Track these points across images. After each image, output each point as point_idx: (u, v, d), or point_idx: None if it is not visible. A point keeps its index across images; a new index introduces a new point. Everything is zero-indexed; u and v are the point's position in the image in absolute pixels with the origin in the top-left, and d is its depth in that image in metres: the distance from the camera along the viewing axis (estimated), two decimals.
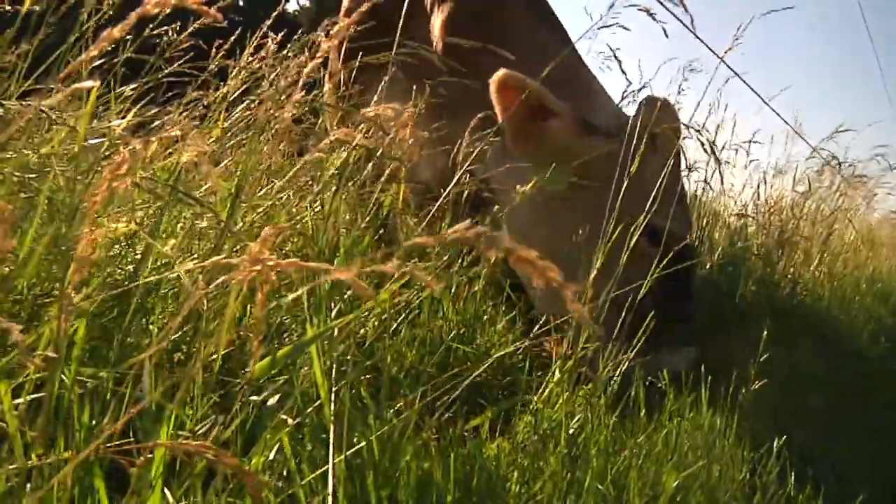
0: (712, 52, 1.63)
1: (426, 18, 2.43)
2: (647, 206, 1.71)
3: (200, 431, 0.84)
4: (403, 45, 1.88)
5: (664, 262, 1.71)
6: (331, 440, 0.89)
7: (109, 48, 0.76)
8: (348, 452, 0.91)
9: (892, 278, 7.45)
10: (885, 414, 2.69)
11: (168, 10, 0.68)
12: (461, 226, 0.50)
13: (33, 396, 0.65)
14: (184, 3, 0.50)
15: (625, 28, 1.95)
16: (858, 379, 2.96)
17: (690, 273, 2.07)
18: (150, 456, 0.65)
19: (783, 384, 2.34)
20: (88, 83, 0.53)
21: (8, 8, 1.28)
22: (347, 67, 2.01)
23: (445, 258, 1.81)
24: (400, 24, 1.80)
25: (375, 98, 1.86)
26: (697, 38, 1.74)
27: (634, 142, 1.81)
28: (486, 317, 1.99)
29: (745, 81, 2.22)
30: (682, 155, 2.23)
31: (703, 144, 1.72)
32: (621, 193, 1.75)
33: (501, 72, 1.89)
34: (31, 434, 0.62)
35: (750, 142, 3.52)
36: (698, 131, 1.75)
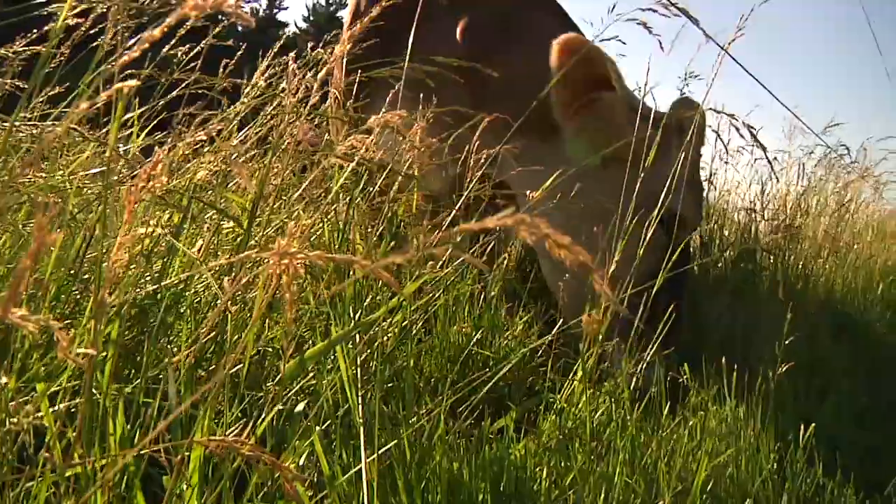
0: (716, 43, 1.64)
1: (437, 25, 2.43)
2: (663, 194, 1.71)
3: (231, 435, 0.84)
4: (410, 59, 1.89)
5: (677, 250, 1.71)
6: (362, 441, 0.90)
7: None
8: (380, 451, 0.91)
9: None
10: None
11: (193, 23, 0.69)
12: (503, 214, 0.50)
13: (71, 402, 0.65)
14: (221, 6, 0.50)
15: (622, 42, 1.96)
16: (879, 365, 2.95)
17: (683, 277, 2.06)
18: (187, 454, 0.66)
19: (806, 372, 2.33)
20: (130, 82, 0.54)
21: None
22: (351, 80, 2.02)
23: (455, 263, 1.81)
24: (413, 32, 1.81)
25: (384, 109, 1.87)
26: (703, 31, 1.74)
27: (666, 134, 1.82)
28: (502, 323, 1.99)
29: (748, 71, 2.22)
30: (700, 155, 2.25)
31: (737, 129, 1.72)
32: (639, 181, 1.75)
33: (565, 35, 1.91)
34: (71, 435, 0.63)
35: (754, 136, 3.50)
36: (733, 116, 1.76)
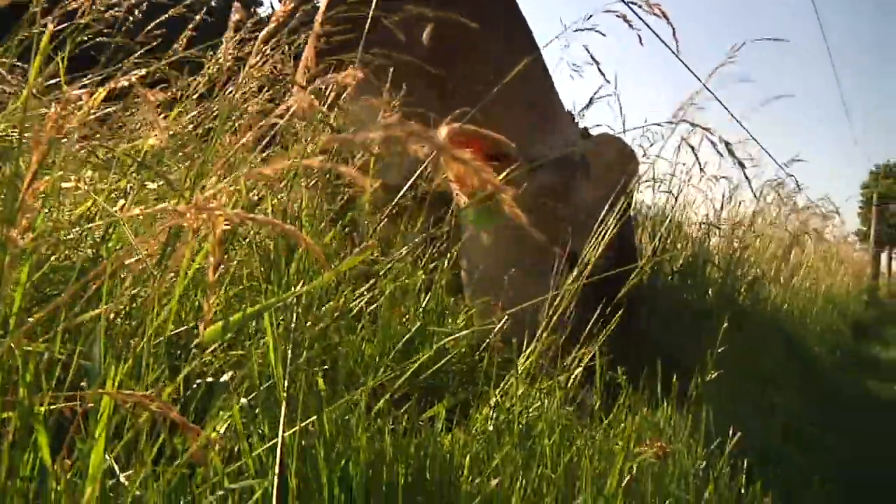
0: (695, 76, 1.66)
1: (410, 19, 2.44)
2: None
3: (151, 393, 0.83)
4: (377, 47, 1.89)
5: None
6: (282, 413, 0.89)
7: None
8: (301, 425, 0.91)
9: (848, 294, 7.62)
10: (843, 416, 2.75)
11: None
12: (389, 121, 0.50)
13: None
14: None
15: (601, 34, 1.98)
16: (817, 382, 3.03)
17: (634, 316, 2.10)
18: (91, 406, 0.65)
19: (743, 382, 2.38)
20: (48, 21, 0.53)
21: None
22: (322, 62, 2.02)
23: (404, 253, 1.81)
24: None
25: (347, 92, 1.87)
26: (686, 65, 1.77)
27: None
28: (447, 311, 2.00)
29: (717, 98, 2.26)
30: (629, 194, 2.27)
31: (713, 144, 1.77)
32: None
33: (450, 129, 1.91)
34: None
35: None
36: (708, 130, 1.80)
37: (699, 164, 3.29)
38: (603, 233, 1.90)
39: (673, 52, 1.74)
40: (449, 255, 2.03)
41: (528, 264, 1.98)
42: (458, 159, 0.48)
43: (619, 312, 1.87)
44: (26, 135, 0.77)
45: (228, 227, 0.65)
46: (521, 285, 1.91)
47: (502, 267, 2.01)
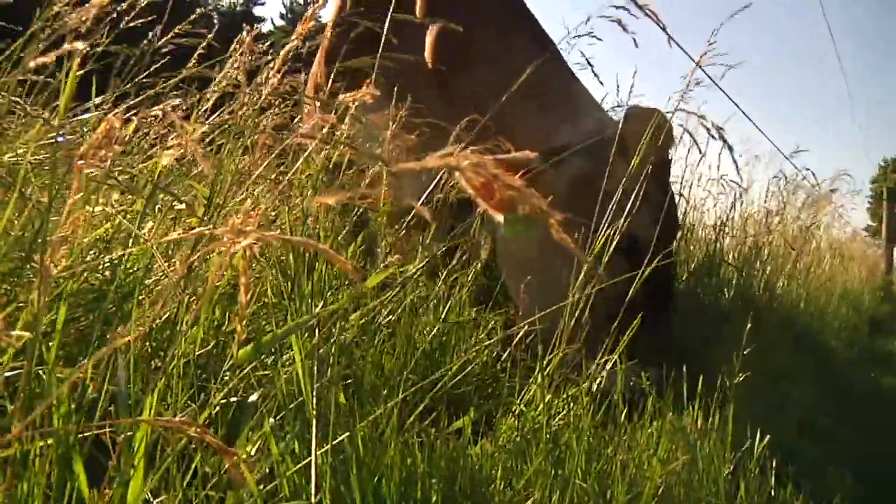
0: (689, 56, 1.65)
1: (409, 40, 2.44)
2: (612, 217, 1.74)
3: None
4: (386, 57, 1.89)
5: (645, 270, 1.73)
6: (314, 432, 0.88)
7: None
8: (333, 443, 0.90)
9: (863, 290, 7.57)
10: (861, 411, 2.72)
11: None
12: (443, 151, 0.49)
13: (11, 373, 0.63)
14: None
15: (598, 38, 1.97)
16: (834, 378, 3.00)
17: (669, 284, 2.09)
18: (129, 434, 0.64)
19: (764, 382, 2.36)
20: (77, 44, 0.52)
21: None
22: (330, 71, 2.01)
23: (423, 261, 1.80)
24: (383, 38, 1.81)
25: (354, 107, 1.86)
26: (678, 44, 1.76)
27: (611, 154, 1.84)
28: (469, 323, 1.99)
29: (719, 87, 2.24)
30: (667, 163, 2.25)
31: (707, 129, 1.75)
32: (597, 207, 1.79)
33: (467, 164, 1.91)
34: (11, 408, 0.61)
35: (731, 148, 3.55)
36: (703, 118, 1.79)
37: (699, 148, 3.25)
38: (646, 209, 1.88)
39: (667, 34, 1.71)
40: (473, 266, 2.01)
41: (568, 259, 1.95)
42: (511, 185, 0.47)
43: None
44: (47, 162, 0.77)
45: (258, 248, 0.64)
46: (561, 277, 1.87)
47: (544, 266, 1.99)
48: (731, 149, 1.77)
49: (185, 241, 0.90)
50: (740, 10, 1.83)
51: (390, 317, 1.71)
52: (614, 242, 1.76)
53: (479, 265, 2.09)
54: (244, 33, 1.53)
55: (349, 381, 1.42)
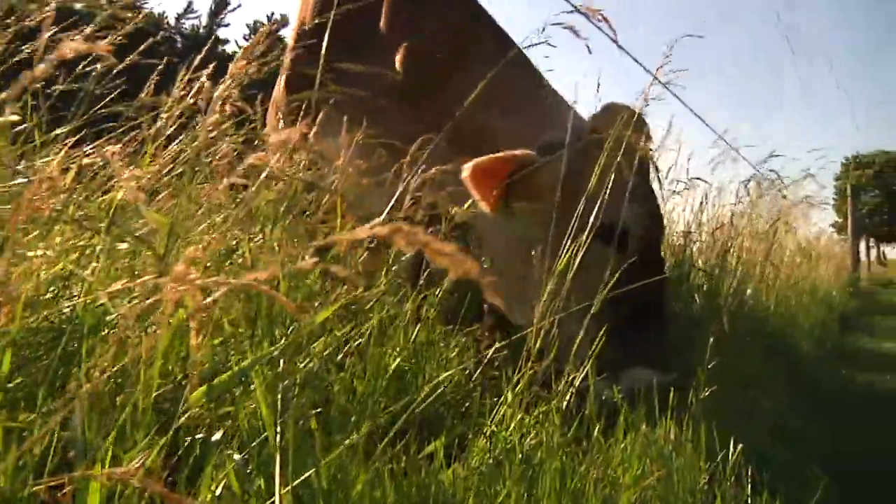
0: (645, 69, 1.66)
1: (385, 47, 2.43)
2: (596, 208, 1.73)
3: (136, 466, 0.80)
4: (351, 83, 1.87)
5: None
6: (277, 471, 0.86)
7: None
8: (295, 482, 0.88)
9: (832, 287, 7.67)
10: (831, 409, 2.75)
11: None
12: (376, 221, 0.49)
13: None
14: (95, 49, 0.48)
15: (552, 45, 1.97)
16: (804, 379, 3.02)
17: (663, 289, 2.09)
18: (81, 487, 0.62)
19: (735, 390, 2.37)
20: (12, 117, 0.51)
21: None
22: (293, 98, 1.99)
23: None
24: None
25: (314, 130, 1.85)
26: (627, 52, 1.77)
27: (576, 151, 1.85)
28: (439, 343, 1.97)
29: (676, 96, 2.26)
30: (650, 158, 2.25)
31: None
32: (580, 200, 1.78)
33: (469, 167, 1.94)
34: None
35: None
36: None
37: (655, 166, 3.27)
38: (631, 202, 1.89)
39: (616, 42, 1.71)
40: (439, 284, 2.00)
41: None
42: (442, 252, 0.47)
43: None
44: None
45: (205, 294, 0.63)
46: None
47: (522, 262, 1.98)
48: (657, 170, 1.77)
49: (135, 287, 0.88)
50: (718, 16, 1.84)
51: (360, 339, 1.69)
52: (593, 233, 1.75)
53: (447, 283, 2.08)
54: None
55: (318, 410, 1.40)
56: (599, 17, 1.51)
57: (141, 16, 1.71)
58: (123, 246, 1.25)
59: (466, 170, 1.94)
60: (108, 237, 1.11)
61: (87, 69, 1.71)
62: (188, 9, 18.11)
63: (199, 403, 0.82)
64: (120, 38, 1.58)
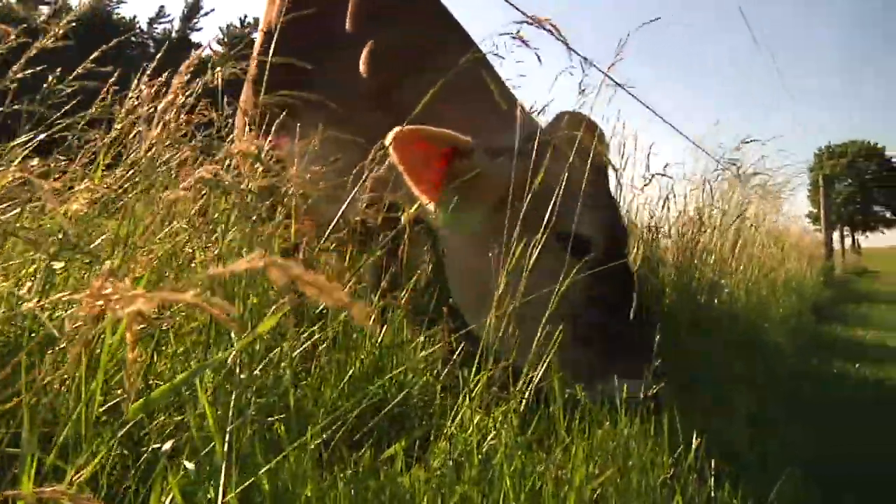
0: (596, 67, 1.68)
1: (343, 53, 2.42)
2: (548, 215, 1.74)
3: (79, 480, 0.80)
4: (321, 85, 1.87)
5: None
6: (221, 481, 0.87)
7: None
8: (238, 490, 0.88)
9: (805, 277, 7.76)
10: (804, 406, 2.78)
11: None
12: (251, 255, 0.50)
13: None
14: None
15: (500, 56, 1.98)
16: (778, 373, 3.05)
17: (632, 292, 2.09)
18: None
19: (704, 385, 2.39)
20: None
21: None
22: (260, 106, 1.97)
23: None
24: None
25: (272, 135, 1.85)
26: (577, 53, 1.79)
27: (538, 155, 1.85)
28: (407, 344, 1.98)
29: (631, 93, 2.28)
30: (606, 164, 2.25)
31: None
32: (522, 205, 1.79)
33: (396, 131, 1.87)
34: None
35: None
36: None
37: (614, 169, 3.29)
38: (589, 210, 1.91)
39: (568, 46, 1.71)
40: (406, 285, 2.00)
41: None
42: (313, 284, 0.48)
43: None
44: None
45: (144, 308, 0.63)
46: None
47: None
48: (615, 170, 1.79)
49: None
50: (652, 21, 1.86)
51: (325, 343, 1.69)
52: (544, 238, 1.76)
53: (414, 283, 2.08)
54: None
55: (282, 416, 1.40)
56: (549, 26, 1.52)
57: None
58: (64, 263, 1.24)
59: (390, 136, 1.86)
60: (55, 250, 1.10)
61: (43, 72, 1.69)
62: (160, 13, 18.01)
63: (137, 416, 0.82)
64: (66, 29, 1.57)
